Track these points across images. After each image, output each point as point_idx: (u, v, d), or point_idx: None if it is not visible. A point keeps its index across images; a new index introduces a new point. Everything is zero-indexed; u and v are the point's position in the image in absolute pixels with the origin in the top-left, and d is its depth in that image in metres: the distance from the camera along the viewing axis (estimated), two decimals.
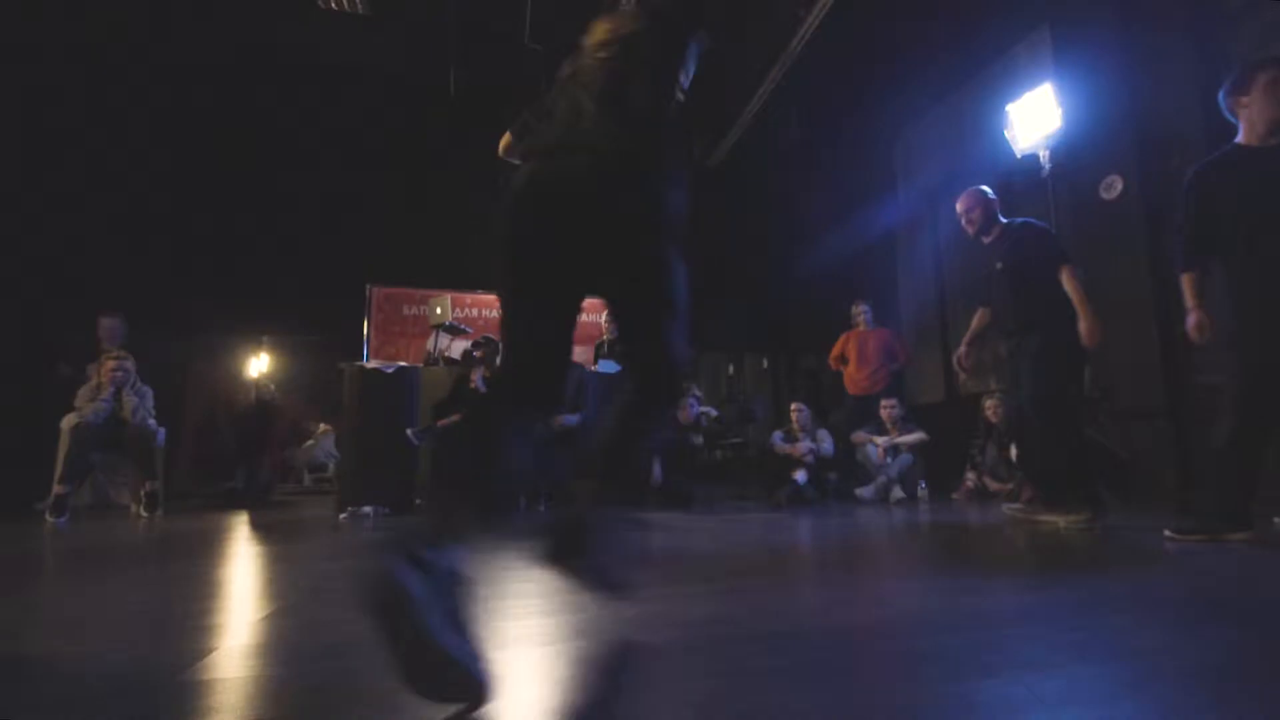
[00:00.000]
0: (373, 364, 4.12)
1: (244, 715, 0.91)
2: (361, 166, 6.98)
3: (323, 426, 8.81)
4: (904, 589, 1.81)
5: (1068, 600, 1.57)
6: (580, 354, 5.62)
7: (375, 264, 6.36)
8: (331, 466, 8.76)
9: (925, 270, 7.41)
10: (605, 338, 5.53)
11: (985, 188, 3.15)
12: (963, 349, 3.26)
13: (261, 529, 3.44)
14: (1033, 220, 3.12)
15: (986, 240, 3.17)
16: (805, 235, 7.46)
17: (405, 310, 6.10)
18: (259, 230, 6.56)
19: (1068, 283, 2.84)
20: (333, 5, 6.61)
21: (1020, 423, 3.26)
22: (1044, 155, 4.14)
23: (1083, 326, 2.78)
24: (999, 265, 3.03)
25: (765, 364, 9.35)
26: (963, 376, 3.43)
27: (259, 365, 7.24)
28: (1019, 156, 4.30)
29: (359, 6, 6.61)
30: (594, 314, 6.45)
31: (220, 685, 1.03)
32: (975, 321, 3.31)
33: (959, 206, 3.16)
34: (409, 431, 4.07)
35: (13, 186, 5.75)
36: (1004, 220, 3.13)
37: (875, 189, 7.93)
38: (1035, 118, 4.18)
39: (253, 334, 7.08)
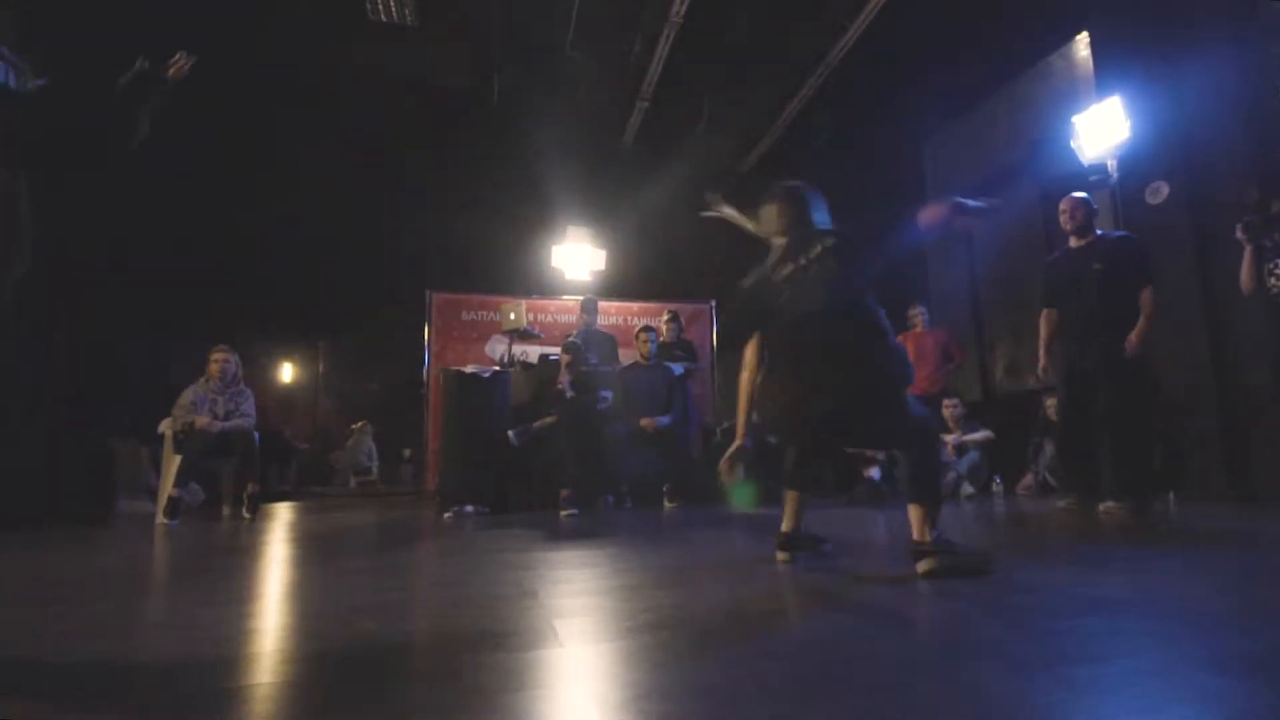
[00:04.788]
0: (470, 369, 4.23)
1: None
2: (406, 175, 7.07)
3: (360, 423, 8.80)
4: (1068, 569, 1.97)
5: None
6: (626, 356, 5.68)
7: (431, 270, 6.43)
8: (375, 469, 8.81)
9: (959, 274, 7.60)
10: (663, 339, 5.55)
11: (1087, 196, 3.38)
12: (1044, 360, 3.52)
13: (377, 530, 3.55)
14: (1132, 235, 3.38)
15: (1075, 244, 3.39)
16: None
17: (464, 315, 6.19)
18: (314, 238, 6.65)
19: (1146, 298, 3.18)
20: (382, 17, 6.74)
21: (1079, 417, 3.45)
22: (1111, 165, 4.35)
23: (1135, 334, 3.13)
24: (1097, 266, 3.24)
25: None
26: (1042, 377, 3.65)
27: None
28: (1086, 165, 4.50)
29: (408, 18, 6.74)
30: (628, 316, 6.52)
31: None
32: (1045, 326, 3.54)
33: (1063, 205, 3.40)
34: (510, 433, 4.19)
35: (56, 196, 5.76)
36: (1099, 232, 3.36)
37: (905, 194, 8.13)
38: (1100, 128, 4.38)
39: (310, 339, 7.14)
